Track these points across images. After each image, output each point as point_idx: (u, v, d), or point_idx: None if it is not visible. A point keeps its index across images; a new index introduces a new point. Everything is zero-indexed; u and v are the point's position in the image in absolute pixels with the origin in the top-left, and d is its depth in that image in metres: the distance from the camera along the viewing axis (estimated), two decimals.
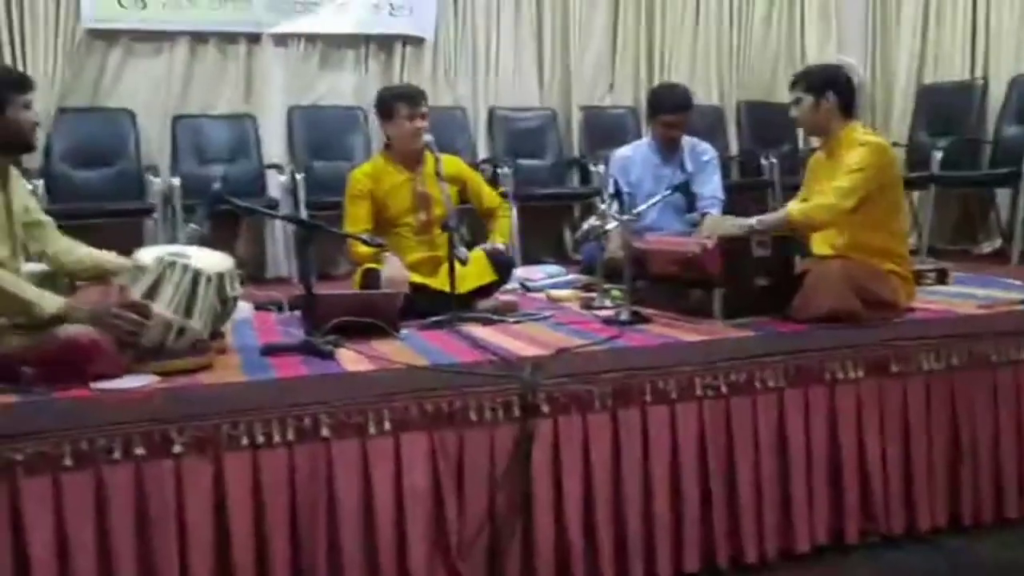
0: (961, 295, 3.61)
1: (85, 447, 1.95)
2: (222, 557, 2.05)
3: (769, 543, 2.50)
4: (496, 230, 3.77)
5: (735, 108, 6.50)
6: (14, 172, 2.66)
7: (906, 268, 3.19)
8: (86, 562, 1.94)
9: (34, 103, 2.61)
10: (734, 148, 6.45)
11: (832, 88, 3.15)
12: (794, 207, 3.16)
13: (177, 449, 2.00)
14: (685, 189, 3.47)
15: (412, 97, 3.59)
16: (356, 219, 3.55)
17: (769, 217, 3.16)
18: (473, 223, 5.71)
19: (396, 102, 3.57)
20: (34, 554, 1.91)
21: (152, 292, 2.49)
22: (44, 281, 2.64)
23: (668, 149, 4.22)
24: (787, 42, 6.65)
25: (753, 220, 3.11)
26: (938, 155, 5.63)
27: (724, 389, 2.46)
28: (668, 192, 3.56)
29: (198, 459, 2.03)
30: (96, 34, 5.20)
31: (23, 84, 2.60)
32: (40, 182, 4.74)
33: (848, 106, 3.18)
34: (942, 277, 3.96)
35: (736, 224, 3.15)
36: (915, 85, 6.43)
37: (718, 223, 3.24)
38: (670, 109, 4.14)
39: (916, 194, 5.92)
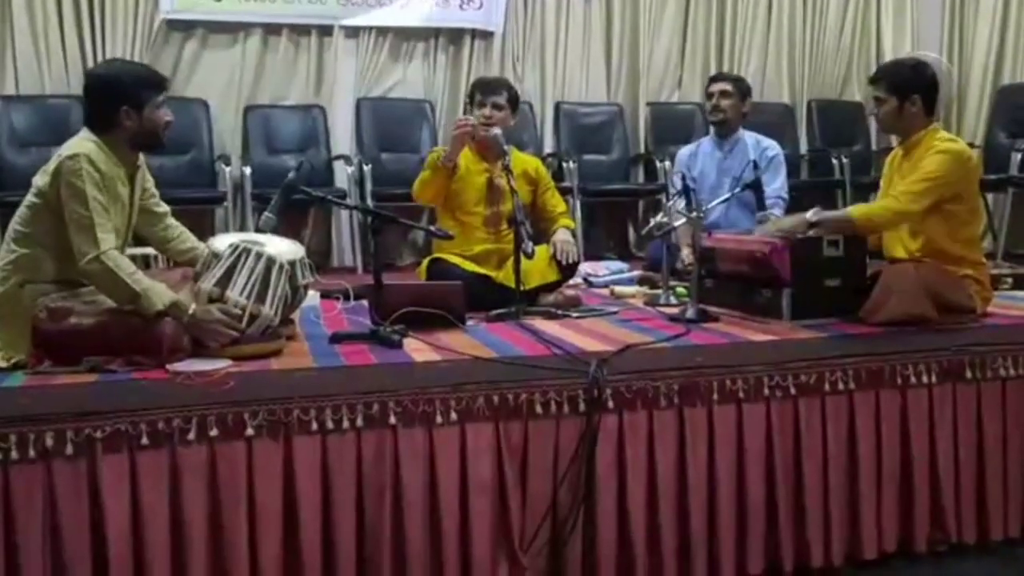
0: None
1: (161, 427, 2.00)
2: (290, 538, 2.09)
3: (835, 548, 2.47)
4: (560, 225, 3.71)
5: (806, 106, 6.39)
6: (142, 166, 2.72)
7: (982, 273, 3.11)
8: (159, 537, 2.00)
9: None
10: (804, 147, 6.35)
11: (918, 91, 3.03)
12: (857, 207, 3.08)
13: (249, 432, 2.05)
14: (756, 186, 3.42)
15: (482, 85, 3.69)
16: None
17: (829, 213, 3.06)
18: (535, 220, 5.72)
19: (473, 90, 3.69)
20: (111, 527, 1.96)
21: (227, 278, 2.54)
22: None
23: (719, 134, 4.24)
24: (861, 39, 6.51)
25: (808, 213, 3.02)
26: (1017, 157, 5.47)
27: (793, 390, 2.43)
28: (739, 190, 3.53)
29: (269, 442, 2.07)
30: (173, 24, 5.32)
31: (161, 84, 2.65)
32: None
33: (931, 107, 3.08)
34: (1019, 282, 3.86)
35: (792, 221, 3.09)
36: (992, 85, 6.26)
37: (778, 223, 3.18)
38: (711, 79, 4.28)
39: (993, 197, 5.76)
